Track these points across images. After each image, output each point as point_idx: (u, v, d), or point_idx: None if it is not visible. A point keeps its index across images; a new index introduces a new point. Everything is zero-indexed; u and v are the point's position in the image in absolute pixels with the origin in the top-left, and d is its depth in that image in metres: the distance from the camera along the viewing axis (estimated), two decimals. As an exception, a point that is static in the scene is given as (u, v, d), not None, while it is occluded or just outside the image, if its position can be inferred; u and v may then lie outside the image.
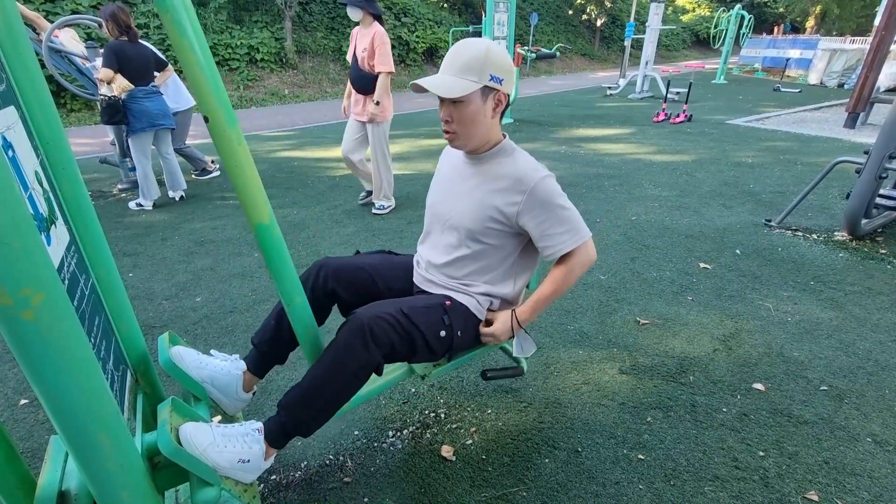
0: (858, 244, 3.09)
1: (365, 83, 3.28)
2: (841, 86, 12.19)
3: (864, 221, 3.08)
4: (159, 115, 3.65)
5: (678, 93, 9.26)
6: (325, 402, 1.15)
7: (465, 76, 1.16)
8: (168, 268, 2.87)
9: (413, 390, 1.85)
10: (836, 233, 3.25)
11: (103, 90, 3.46)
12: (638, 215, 3.63)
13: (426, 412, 1.74)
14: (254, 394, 1.36)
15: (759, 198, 3.98)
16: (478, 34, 9.71)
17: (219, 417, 1.30)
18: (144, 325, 2.26)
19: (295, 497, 1.41)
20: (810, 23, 23.40)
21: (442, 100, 1.20)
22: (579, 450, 1.56)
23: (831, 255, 2.95)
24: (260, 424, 1.14)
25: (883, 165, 2.81)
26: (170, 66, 3.89)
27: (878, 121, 6.64)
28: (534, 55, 8.80)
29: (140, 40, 3.55)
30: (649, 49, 10.10)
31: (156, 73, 3.73)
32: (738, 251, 3.00)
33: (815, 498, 1.39)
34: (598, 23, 20.32)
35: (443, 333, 1.24)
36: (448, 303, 1.29)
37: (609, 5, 20.49)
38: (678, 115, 7.44)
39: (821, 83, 12.76)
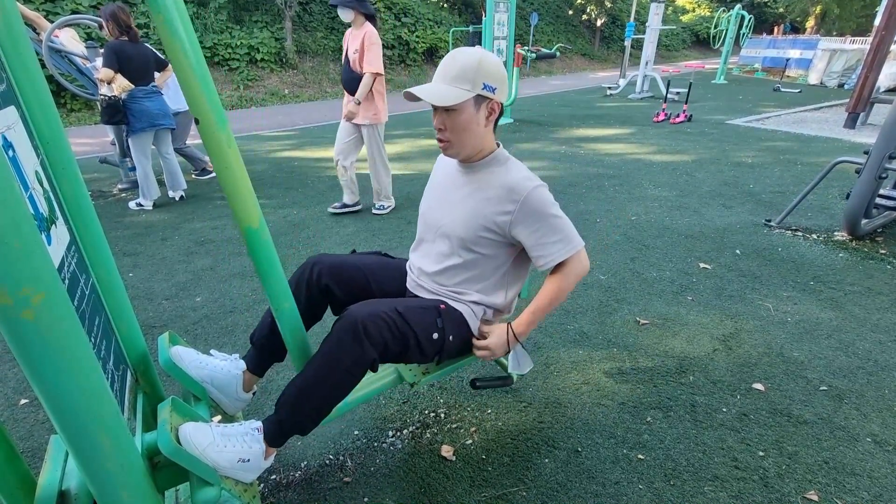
0: (858, 244, 3.09)
1: (356, 85, 3.22)
2: (841, 86, 12.19)
3: (863, 221, 3.08)
4: (159, 115, 3.65)
5: (678, 93, 9.26)
6: (320, 400, 1.15)
7: (458, 85, 1.16)
8: (168, 268, 2.87)
9: (413, 390, 1.85)
10: (835, 233, 3.25)
11: (103, 90, 3.46)
12: (638, 215, 3.63)
13: (426, 412, 1.74)
14: (254, 394, 1.36)
15: (759, 198, 3.98)
16: (478, 34, 9.73)
17: (219, 417, 1.30)
18: (144, 324, 2.26)
19: (295, 497, 1.41)
20: (810, 23, 23.42)
21: (435, 108, 1.20)
22: (579, 450, 1.56)
23: (831, 255, 2.95)
24: (259, 424, 1.14)
25: (883, 165, 2.81)
26: (170, 66, 3.87)
27: (878, 121, 6.64)
28: (534, 55, 8.79)
29: (140, 40, 3.56)
30: (649, 49, 10.11)
31: (156, 74, 3.73)
32: (737, 251, 3.00)
33: (815, 498, 1.39)
34: (598, 23, 20.33)
35: (435, 336, 1.24)
36: (443, 307, 1.29)
37: (609, 5, 20.50)
38: (678, 115, 7.44)
39: (821, 83, 12.76)
